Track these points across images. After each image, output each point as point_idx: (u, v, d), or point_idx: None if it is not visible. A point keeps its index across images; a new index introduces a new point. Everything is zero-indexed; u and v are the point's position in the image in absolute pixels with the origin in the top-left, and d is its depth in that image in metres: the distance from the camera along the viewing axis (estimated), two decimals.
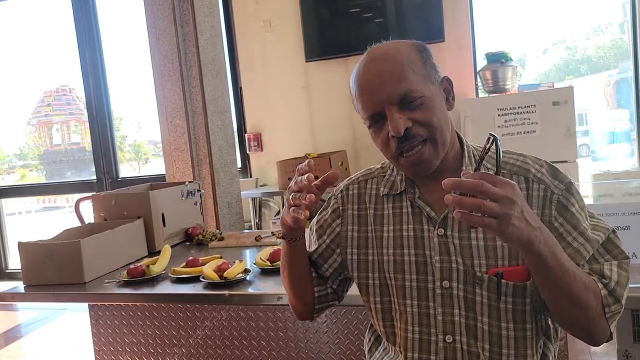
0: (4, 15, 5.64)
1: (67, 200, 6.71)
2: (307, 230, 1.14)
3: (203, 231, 2.45)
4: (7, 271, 5.45)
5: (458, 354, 1.00)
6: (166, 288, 1.77)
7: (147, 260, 1.94)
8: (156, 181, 2.99)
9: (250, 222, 4.50)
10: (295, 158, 4.06)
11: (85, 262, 1.86)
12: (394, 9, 4.20)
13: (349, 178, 1.19)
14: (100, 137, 4.77)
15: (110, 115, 4.78)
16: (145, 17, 3.24)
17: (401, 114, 0.96)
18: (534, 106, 3.42)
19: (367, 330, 1.23)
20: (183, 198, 2.49)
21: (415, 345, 1.03)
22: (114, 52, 4.86)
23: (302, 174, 0.97)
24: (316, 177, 0.96)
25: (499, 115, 3.49)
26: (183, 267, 1.85)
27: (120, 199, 2.31)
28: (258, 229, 4.52)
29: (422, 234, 1.03)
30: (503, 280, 0.96)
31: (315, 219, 1.20)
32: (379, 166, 1.16)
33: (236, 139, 4.26)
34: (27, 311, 4.38)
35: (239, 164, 4.25)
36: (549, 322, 1.03)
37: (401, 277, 1.05)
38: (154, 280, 1.83)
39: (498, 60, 3.71)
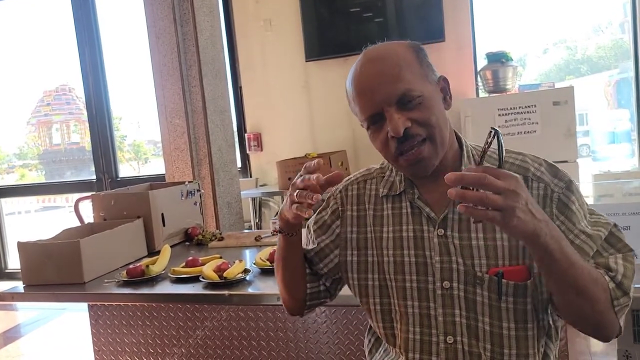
0: (4, 15, 5.64)
1: (67, 200, 6.70)
2: (303, 230, 1.14)
3: (203, 231, 2.45)
4: (7, 271, 5.44)
5: (459, 354, 0.99)
6: (166, 288, 1.76)
7: (146, 260, 1.94)
8: (156, 181, 2.99)
9: (250, 222, 4.49)
10: (295, 158, 4.05)
11: (85, 262, 1.86)
12: (394, 8, 4.19)
13: (347, 178, 1.18)
14: (100, 137, 4.77)
15: (109, 114, 4.78)
16: (145, 16, 3.24)
17: (400, 114, 0.95)
18: (535, 106, 3.42)
19: (367, 332, 1.22)
20: (183, 198, 2.48)
21: (417, 346, 1.03)
22: (114, 52, 4.85)
23: (311, 172, 0.95)
24: None
25: (499, 115, 3.49)
26: (183, 267, 1.85)
27: (120, 198, 2.31)
28: (258, 229, 4.51)
29: (422, 234, 1.03)
30: (504, 280, 0.96)
31: (313, 218, 1.19)
32: (378, 166, 1.16)
33: (236, 139, 4.26)
34: (27, 311, 4.38)
35: (239, 164, 4.24)
36: (550, 322, 1.02)
37: (401, 278, 1.04)
38: (154, 280, 1.83)
39: (498, 60, 3.71)
